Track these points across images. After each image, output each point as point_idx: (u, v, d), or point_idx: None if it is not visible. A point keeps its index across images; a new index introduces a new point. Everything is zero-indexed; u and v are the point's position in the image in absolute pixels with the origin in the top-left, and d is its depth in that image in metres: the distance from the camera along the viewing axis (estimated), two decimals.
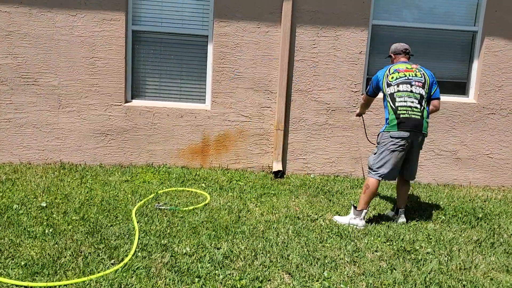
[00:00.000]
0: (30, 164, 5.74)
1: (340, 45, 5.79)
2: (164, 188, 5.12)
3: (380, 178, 4.36)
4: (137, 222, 4.10)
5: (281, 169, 5.84)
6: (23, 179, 5.12)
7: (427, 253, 3.88)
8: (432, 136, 6.03)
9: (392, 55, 4.63)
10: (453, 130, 6.06)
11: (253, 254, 3.64)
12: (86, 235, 3.81)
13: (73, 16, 5.55)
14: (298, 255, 3.68)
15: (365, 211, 4.37)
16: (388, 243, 4.02)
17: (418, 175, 6.08)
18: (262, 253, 3.67)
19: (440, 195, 5.52)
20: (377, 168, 4.35)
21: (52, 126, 5.73)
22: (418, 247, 3.96)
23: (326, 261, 3.61)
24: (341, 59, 5.82)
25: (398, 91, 4.33)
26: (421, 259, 3.76)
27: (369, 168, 4.43)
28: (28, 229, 3.84)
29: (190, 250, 3.62)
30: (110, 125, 5.78)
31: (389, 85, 4.38)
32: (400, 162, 4.37)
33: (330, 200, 5.04)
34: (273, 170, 5.85)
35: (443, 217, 4.75)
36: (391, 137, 4.29)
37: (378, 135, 4.47)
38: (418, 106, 4.29)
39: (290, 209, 4.70)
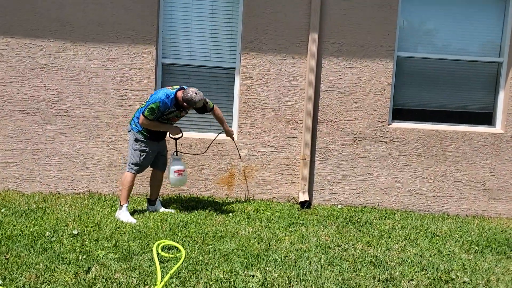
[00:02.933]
0: (59, 193, 5.81)
1: (366, 76, 5.86)
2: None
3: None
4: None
5: (307, 199, 5.81)
6: (53, 208, 5.18)
7: (464, 282, 3.80)
8: (460, 167, 5.98)
9: None
10: (481, 161, 6.00)
11: (287, 282, 3.60)
12: (119, 261, 3.81)
13: (105, 50, 5.73)
14: (333, 283, 3.63)
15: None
16: (423, 272, 3.94)
17: (445, 205, 6.05)
18: (296, 281, 3.63)
19: (471, 226, 5.42)
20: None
21: (81, 156, 5.83)
22: (454, 277, 3.88)
23: None
24: (367, 90, 5.87)
25: None
26: None
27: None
28: (62, 256, 3.87)
29: (223, 277, 3.60)
30: None
31: None
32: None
33: (360, 231, 4.98)
34: (299, 201, 5.83)
35: (476, 248, 4.65)
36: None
37: None
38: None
39: (320, 238, 4.65)
